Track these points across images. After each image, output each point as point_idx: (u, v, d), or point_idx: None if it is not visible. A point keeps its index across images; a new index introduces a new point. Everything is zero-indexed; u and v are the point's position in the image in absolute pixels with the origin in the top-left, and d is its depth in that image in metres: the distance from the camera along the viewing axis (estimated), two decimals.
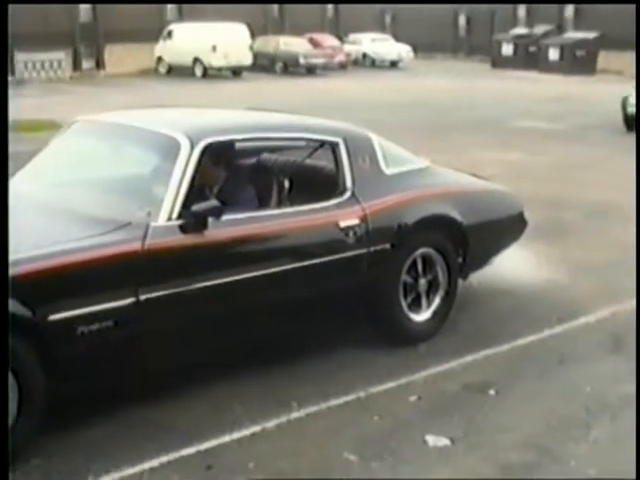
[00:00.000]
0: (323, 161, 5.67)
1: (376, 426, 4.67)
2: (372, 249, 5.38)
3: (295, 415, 4.76)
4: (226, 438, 4.48)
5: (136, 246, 4.40)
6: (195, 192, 4.86)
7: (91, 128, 5.67)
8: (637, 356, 5.30)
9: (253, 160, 5.91)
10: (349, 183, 5.42)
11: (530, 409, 4.89)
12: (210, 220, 4.66)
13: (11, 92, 27.33)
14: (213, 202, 4.70)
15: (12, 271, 3.99)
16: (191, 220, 4.60)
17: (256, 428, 4.59)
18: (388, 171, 5.67)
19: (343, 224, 5.26)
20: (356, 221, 5.31)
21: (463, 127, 17.49)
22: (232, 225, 4.85)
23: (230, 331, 4.98)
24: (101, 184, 5.16)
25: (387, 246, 5.45)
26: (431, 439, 4.51)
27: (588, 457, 4.32)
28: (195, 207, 4.61)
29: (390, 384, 5.17)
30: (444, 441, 4.49)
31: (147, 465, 4.19)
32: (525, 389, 5.16)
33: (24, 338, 4.04)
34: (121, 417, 4.60)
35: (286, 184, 5.53)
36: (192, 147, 4.79)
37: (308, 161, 5.75)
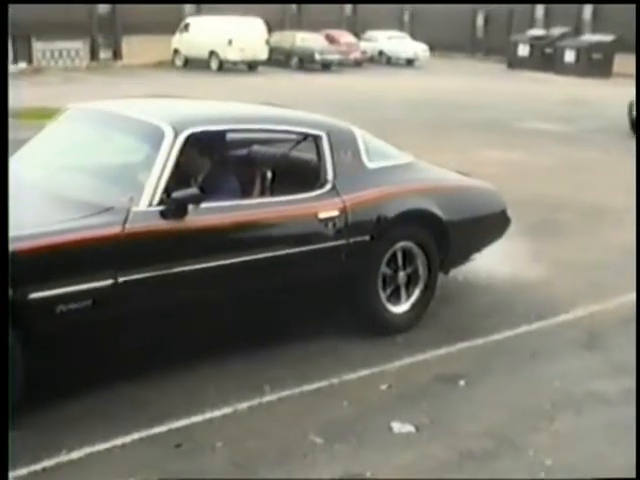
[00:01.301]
0: (307, 154, 5.80)
1: (345, 411, 4.81)
2: (351, 240, 5.51)
3: (267, 398, 4.90)
4: (198, 418, 4.63)
5: (116, 230, 4.55)
6: (180, 180, 5.02)
7: (82, 115, 5.83)
8: (637, 353, 5.37)
9: (239, 151, 6.05)
10: (330, 176, 5.56)
11: (497, 400, 5.02)
12: (191, 207, 4.81)
13: (30, 80, 27.71)
14: (193, 190, 4.85)
15: None
16: (171, 206, 4.74)
17: (228, 410, 4.74)
18: (370, 165, 5.80)
19: (322, 215, 5.40)
20: (335, 213, 5.45)
21: (471, 127, 17.58)
22: (212, 213, 5.00)
23: (208, 316, 5.13)
24: (87, 169, 5.34)
25: (366, 238, 5.59)
26: (396, 425, 4.64)
27: (547, 447, 4.44)
28: (175, 194, 4.76)
29: (364, 372, 5.31)
30: (409, 428, 4.63)
31: (119, 441, 4.35)
32: (494, 381, 5.29)
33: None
34: (97, 395, 4.75)
35: (269, 175, 5.68)
36: (175, 136, 4.94)
37: (292, 154, 5.88)
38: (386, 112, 19.53)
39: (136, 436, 4.40)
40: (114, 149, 5.51)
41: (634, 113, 16.35)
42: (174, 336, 5.08)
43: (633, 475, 3.89)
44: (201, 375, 5.09)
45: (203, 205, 4.91)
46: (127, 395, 4.80)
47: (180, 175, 5.08)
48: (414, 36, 43.37)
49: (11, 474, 3.89)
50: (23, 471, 4.03)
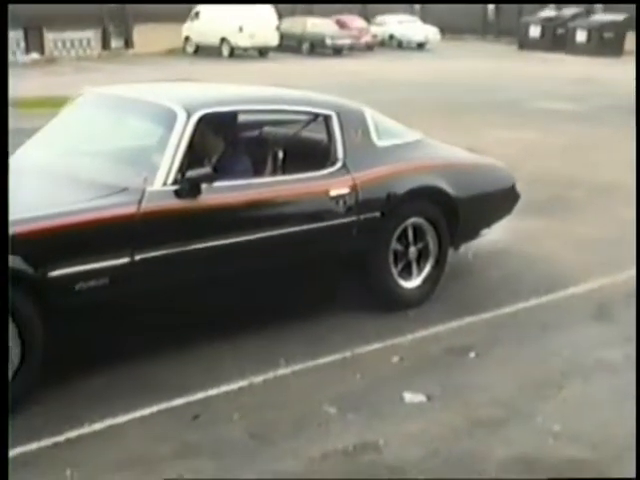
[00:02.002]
0: (318, 133, 5.90)
1: (357, 383, 4.93)
2: (362, 217, 5.62)
3: (282, 372, 5.03)
4: (214, 391, 4.76)
5: (132, 209, 4.68)
6: (194, 161, 5.15)
7: (96, 100, 5.96)
8: (637, 345, 5.40)
9: (252, 132, 6.16)
10: (340, 154, 5.67)
11: (506, 371, 5.13)
12: (204, 186, 4.93)
13: (42, 70, 27.84)
14: (206, 169, 4.98)
15: (15, 229, 4.27)
16: (185, 186, 4.86)
17: (244, 383, 4.86)
18: (380, 143, 5.91)
19: (333, 193, 5.51)
20: (346, 190, 5.56)
21: (483, 107, 17.63)
22: (225, 192, 5.12)
23: (223, 292, 5.26)
24: (103, 152, 5.47)
25: (377, 215, 5.70)
26: (408, 396, 4.76)
27: (554, 414, 4.55)
28: (189, 173, 4.88)
29: (376, 345, 5.42)
30: (420, 397, 4.74)
31: (139, 413, 4.48)
32: (504, 353, 5.40)
33: (25, 293, 4.33)
34: (117, 370, 4.90)
35: (280, 155, 5.80)
36: (188, 117, 5.05)
37: (303, 133, 5.99)
38: (397, 95, 19.58)
39: (155, 409, 4.54)
40: (128, 132, 5.64)
41: None
42: (190, 313, 5.20)
43: (633, 475, 3.95)
44: (217, 351, 5.22)
45: (216, 184, 5.03)
46: (145, 370, 4.93)
47: (194, 155, 5.21)
48: (425, 19, 43.32)
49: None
50: (46, 442, 4.16)
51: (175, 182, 4.87)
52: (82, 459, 4.06)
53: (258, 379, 4.92)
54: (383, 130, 6.01)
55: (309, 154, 5.77)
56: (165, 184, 4.85)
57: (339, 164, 5.65)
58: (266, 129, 6.38)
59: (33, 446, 4.15)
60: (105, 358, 4.96)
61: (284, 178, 5.56)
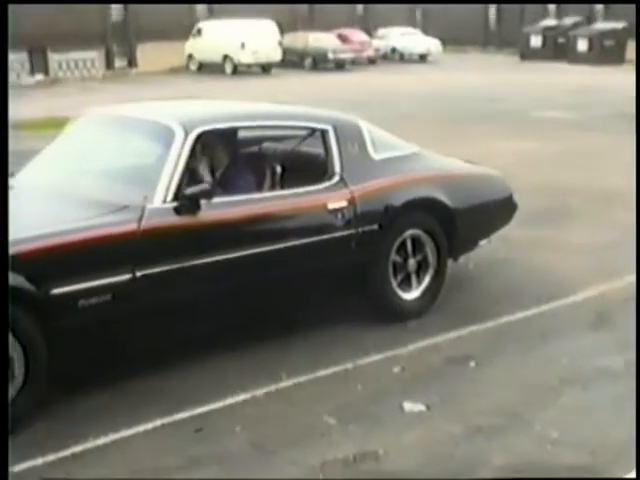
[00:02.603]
0: (315, 148, 5.98)
1: (358, 394, 4.99)
2: (360, 230, 5.69)
3: (284, 384, 5.09)
4: (218, 404, 4.82)
5: (132, 226, 4.76)
6: (194, 177, 5.25)
7: (97, 120, 6.07)
8: (637, 349, 5.45)
9: (250, 148, 6.25)
10: (337, 168, 5.74)
11: (506, 379, 5.18)
12: (204, 202, 5.01)
13: (46, 91, 28.01)
14: (204, 185, 5.05)
15: (18, 248, 4.38)
16: (184, 202, 4.95)
17: (246, 396, 4.92)
18: (376, 156, 5.98)
19: (331, 206, 5.58)
20: (344, 203, 5.63)
21: (484, 118, 17.73)
22: (224, 207, 5.21)
23: (223, 307, 5.32)
24: (103, 171, 5.56)
25: (375, 227, 5.77)
26: (408, 405, 4.82)
27: (554, 421, 4.59)
28: (188, 190, 4.96)
29: (377, 357, 5.48)
30: (420, 407, 4.80)
31: (142, 428, 4.55)
32: (504, 361, 5.45)
33: (28, 311, 4.41)
34: (120, 385, 4.96)
35: (278, 170, 5.88)
36: (186, 135, 5.14)
37: (301, 148, 6.07)
38: (400, 108, 19.72)
39: (158, 422, 4.60)
40: (128, 150, 5.72)
41: None
42: (192, 327, 5.26)
43: (633, 475, 3.99)
44: (219, 364, 5.29)
45: (215, 200, 5.12)
46: (149, 385, 5.00)
47: (194, 172, 5.31)
48: (427, 32, 43.50)
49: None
50: (50, 457, 4.23)
51: (174, 199, 4.95)
52: (86, 473, 4.13)
53: (260, 392, 4.98)
54: (379, 143, 6.08)
55: (307, 168, 5.84)
56: (165, 201, 4.93)
57: (336, 178, 5.72)
58: (265, 145, 6.47)
59: (39, 461, 4.22)
60: (108, 373, 5.03)
61: (282, 193, 5.64)
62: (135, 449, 4.37)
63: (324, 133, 5.80)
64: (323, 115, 6.06)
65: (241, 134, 6.15)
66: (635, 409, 4.61)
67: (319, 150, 5.93)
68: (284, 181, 5.84)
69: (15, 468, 4.11)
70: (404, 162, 6.18)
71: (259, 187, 5.78)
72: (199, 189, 4.99)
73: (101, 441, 4.41)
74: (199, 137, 5.21)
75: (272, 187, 5.84)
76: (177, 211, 4.94)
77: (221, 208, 5.17)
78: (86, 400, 4.79)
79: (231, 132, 5.94)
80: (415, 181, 6.09)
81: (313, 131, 5.88)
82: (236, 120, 5.77)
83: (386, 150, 6.12)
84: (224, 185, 5.72)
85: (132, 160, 5.61)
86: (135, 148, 5.69)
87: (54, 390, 4.65)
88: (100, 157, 5.78)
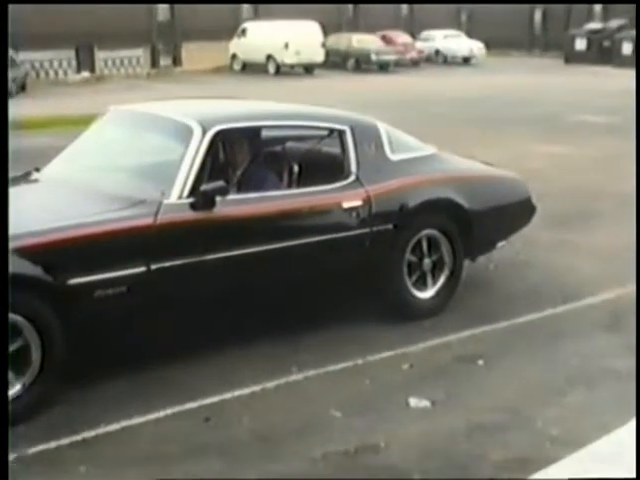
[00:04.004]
0: (332, 147, 6.09)
1: (366, 388, 5.10)
2: (375, 229, 5.80)
3: (294, 378, 5.22)
4: (227, 395, 4.96)
5: (149, 221, 4.92)
6: (212, 174, 5.39)
7: (120, 117, 6.24)
8: (637, 352, 5.48)
9: (268, 147, 6.36)
10: (354, 167, 5.85)
11: (513, 378, 5.26)
12: (219, 199, 5.15)
13: (92, 88, 28.39)
14: (220, 182, 5.18)
15: (37, 239, 4.59)
16: (200, 198, 5.09)
17: (256, 388, 5.06)
18: (393, 157, 6.08)
19: (346, 205, 5.69)
20: (359, 203, 5.74)
21: (521, 122, 17.70)
22: (240, 204, 5.35)
23: (237, 301, 5.45)
24: (123, 166, 5.74)
25: (390, 227, 5.86)
26: (413, 401, 4.92)
27: (555, 419, 4.67)
28: (204, 187, 5.10)
29: (387, 353, 5.58)
30: (425, 403, 4.90)
31: (153, 416, 4.70)
32: (513, 361, 5.52)
33: (45, 300, 4.58)
34: (134, 375, 5.12)
35: (296, 168, 6.00)
36: (204, 133, 5.28)
37: (318, 148, 6.18)
38: (438, 110, 19.79)
39: (169, 411, 4.75)
40: (148, 147, 5.89)
41: None
42: (205, 321, 5.41)
43: (633, 475, 4.03)
44: (231, 357, 5.42)
45: (231, 197, 5.26)
46: (161, 375, 5.15)
47: (211, 169, 5.44)
48: (471, 34, 43.39)
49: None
50: (64, 441, 4.39)
51: (191, 195, 5.09)
52: (97, 457, 4.29)
53: (270, 384, 5.11)
54: (397, 144, 6.18)
55: (324, 168, 5.95)
56: (181, 197, 5.08)
57: (352, 177, 5.83)
58: (288, 144, 6.57)
59: (52, 444, 4.39)
60: (122, 363, 5.19)
61: (297, 191, 5.77)
62: (144, 436, 4.52)
63: (341, 133, 5.92)
64: (341, 116, 6.18)
65: (265, 133, 6.28)
66: (635, 412, 4.65)
67: (336, 150, 6.04)
68: (301, 180, 5.96)
69: (29, 450, 4.30)
70: (421, 163, 6.27)
71: (276, 185, 5.90)
72: (214, 186, 5.12)
73: (112, 427, 4.57)
74: (217, 135, 5.35)
75: (289, 185, 5.97)
76: (193, 207, 5.08)
77: (236, 205, 5.31)
78: (100, 388, 4.95)
79: (252, 131, 6.06)
80: (431, 182, 6.18)
81: (331, 131, 5.99)
82: (255, 119, 5.91)
83: (403, 151, 6.21)
84: (244, 183, 5.85)
85: (151, 156, 5.77)
86: (155, 145, 5.85)
87: (71, 377, 4.81)
88: (121, 153, 5.96)
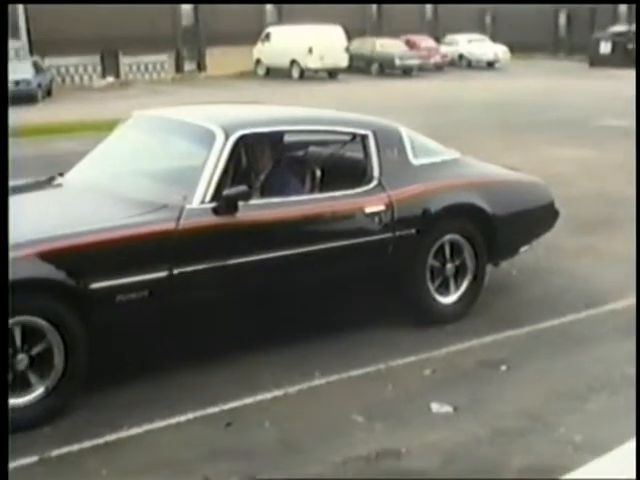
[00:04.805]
0: (355, 152, 6.10)
1: (388, 394, 5.09)
2: (397, 234, 5.79)
3: (317, 382, 5.22)
4: (249, 400, 4.97)
5: (171, 225, 4.94)
6: (235, 179, 5.41)
7: (143, 122, 6.27)
8: (637, 359, 5.44)
9: (291, 152, 6.38)
10: (376, 172, 5.85)
11: (535, 384, 5.23)
12: (242, 204, 5.16)
13: (116, 93, 28.59)
14: (242, 187, 5.19)
15: (60, 244, 4.61)
16: (223, 203, 5.10)
17: (278, 392, 5.06)
18: (416, 162, 6.07)
19: (368, 210, 5.69)
20: (381, 207, 5.73)
21: (544, 126, 17.63)
22: (262, 209, 5.36)
23: (259, 306, 5.47)
24: (146, 171, 5.77)
25: (412, 231, 5.86)
26: (435, 406, 4.90)
27: (578, 425, 4.64)
28: (226, 191, 5.12)
29: (410, 358, 5.57)
30: (447, 408, 4.88)
31: (175, 420, 4.72)
32: (535, 366, 5.49)
33: (68, 303, 4.61)
34: (155, 379, 5.15)
35: (318, 173, 6.00)
36: (226, 138, 5.30)
37: (341, 152, 6.19)
38: (461, 115, 19.75)
39: (190, 416, 4.77)
40: (171, 152, 5.93)
41: None
42: (227, 325, 5.42)
43: (633, 476, 4.00)
44: (253, 362, 5.43)
45: (254, 201, 5.28)
46: (183, 379, 5.17)
47: (234, 174, 5.46)
48: (495, 38, 43.31)
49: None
50: (87, 444, 4.42)
51: (213, 200, 5.11)
52: (118, 461, 4.31)
53: (293, 389, 5.11)
54: (420, 149, 6.17)
55: (346, 172, 5.96)
56: (203, 202, 5.09)
57: (375, 182, 5.83)
58: (311, 149, 6.60)
59: (75, 448, 4.42)
60: (144, 367, 5.22)
61: (320, 196, 5.77)
62: (166, 440, 4.53)
63: (364, 138, 5.92)
64: (364, 120, 6.17)
65: (287, 138, 6.29)
66: (635, 412, 4.63)
67: (359, 155, 6.04)
68: (323, 184, 5.97)
69: (53, 453, 4.33)
70: (444, 168, 6.26)
71: (298, 190, 5.91)
72: (237, 190, 5.14)
73: (134, 431, 4.59)
74: (239, 140, 5.37)
75: (311, 190, 5.97)
76: (215, 211, 5.10)
77: (259, 209, 5.32)
78: (123, 392, 4.98)
79: (275, 136, 6.07)
80: (454, 187, 6.17)
81: (353, 136, 6.00)
82: (277, 124, 5.92)
83: (426, 156, 6.20)
84: (267, 187, 5.87)
85: (174, 161, 5.81)
86: (178, 150, 5.87)
87: (94, 381, 4.84)
88: (144, 158, 6.00)
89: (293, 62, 35.01)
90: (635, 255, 7.35)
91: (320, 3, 37.62)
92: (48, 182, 5.91)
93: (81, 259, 4.66)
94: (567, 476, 4.10)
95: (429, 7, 46.64)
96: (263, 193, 5.70)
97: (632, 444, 4.24)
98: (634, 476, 3.95)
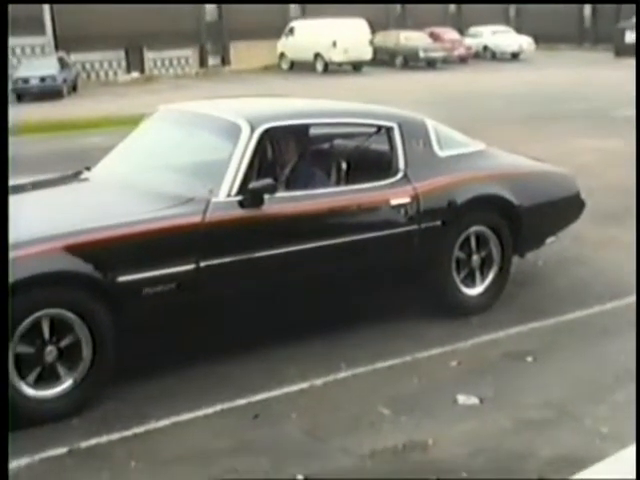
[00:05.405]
0: (380, 144, 6.10)
1: (414, 386, 5.10)
2: (423, 226, 5.79)
3: (342, 375, 5.23)
4: (277, 392, 4.99)
5: (197, 219, 4.96)
6: (261, 172, 5.43)
7: (169, 116, 6.31)
8: (637, 356, 5.38)
9: (317, 144, 6.39)
10: (402, 164, 5.85)
11: (561, 375, 5.22)
12: (268, 197, 5.18)
13: (141, 88, 28.68)
14: (268, 180, 5.21)
15: (88, 237, 4.65)
16: (248, 196, 5.12)
17: (305, 385, 5.08)
18: (441, 153, 6.07)
19: (394, 202, 5.69)
20: (407, 200, 5.73)
21: (569, 116, 17.55)
22: (288, 202, 5.38)
23: (286, 299, 5.49)
24: (172, 165, 5.80)
25: (438, 223, 5.85)
26: (461, 398, 4.91)
27: (604, 417, 4.62)
28: (252, 184, 5.14)
29: (436, 350, 5.58)
30: (473, 400, 4.88)
31: (202, 412, 4.75)
32: (561, 358, 5.47)
33: (95, 296, 4.65)
34: (183, 371, 5.19)
35: (344, 166, 6.01)
36: (252, 131, 5.32)
37: (366, 145, 6.19)
38: (486, 106, 19.72)
39: (218, 408, 4.80)
40: (197, 145, 5.95)
41: None
42: (254, 318, 5.45)
43: (633, 476, 3.97)
44: (280, 354, 5.45)
45: (279, 194, 5.29)
46: (211, 372, 5.20)
47: (260, 167, 5.48)
48: (520, 29, 43.09)
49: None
50: (115, 436, 4.46)
51: (239, 193, 5.13)
52: (147, 452, 4.35)
53: (319, 381, 5.13)
54: (445, 140, 6.17)
55: (372, 165, 5.96)
56: (229, 195, 5.12)
57: (400, 174, 5.83)
58: (336, 142, 6.60)
59: (103, 439, 4.46)
60: (172, 359, 5.26)
61: (345, 188, 5.78)
62: (193, 432, 4.57)
63: (389, 130, 5.92)
64: (389, 113, 6.18)
65: (312, 131, 6.30)
66: (635, 411, 4.61)
67: (384, 147, 6.04)
68: (349, 177, 5.98)
69: (82, 444, 4.38)
70: (469, 159, 6.25)
71: (324, 183, 5.92)
72: (263, 184, 5.15)
73: (162, 423, 4.63)
74: (265, 133, 5.38)
75: (337, 183, 5.98)
76: (241, 205, 5.12)
77: (284, 202, 5.33)
78: (151, 384, 5.02)
79: (300, 129, 6.08)
80: (480, 178, 6.16)
81: (379, 128, 6.00)
82: (302, 117, 5.93)
83: (452, 147, 6.20)
84: (292, 180, 5.88)
85: (200, 155, 5.83)
86: (203, 143, 5.90)
87: (123, 373, 4.88)
88: (170, 152, 6.02)
89: (317, 55, 35.01)
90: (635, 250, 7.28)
91: (343, 3, 37.56)
92: (75, 176, 5.96)
93: (108, 252, 4.69)
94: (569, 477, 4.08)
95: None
96: (289, 186, 5.70)
97: (632, 448, 4.21)
98: (634, 477, 3.93)
